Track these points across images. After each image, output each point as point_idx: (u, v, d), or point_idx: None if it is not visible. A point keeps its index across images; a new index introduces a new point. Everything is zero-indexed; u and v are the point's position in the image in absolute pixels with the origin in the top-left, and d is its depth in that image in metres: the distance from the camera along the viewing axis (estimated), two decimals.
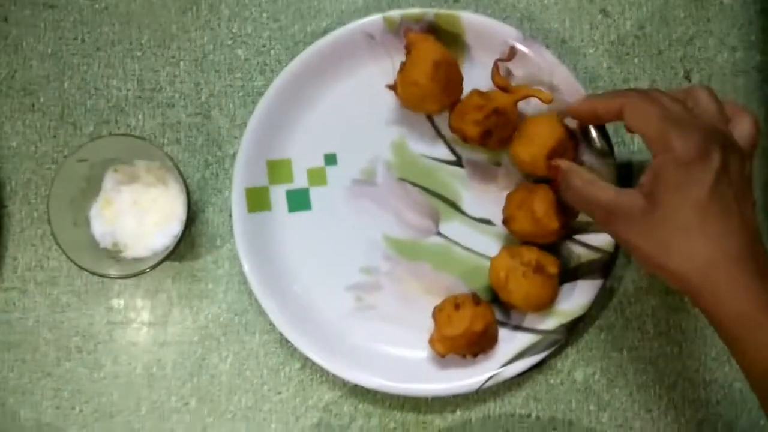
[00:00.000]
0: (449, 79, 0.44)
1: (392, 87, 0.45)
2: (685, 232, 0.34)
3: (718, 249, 0.34)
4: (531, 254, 0.44)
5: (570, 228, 0.46)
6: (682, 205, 0.35)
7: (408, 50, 0.44)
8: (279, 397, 0.48)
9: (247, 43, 0.49)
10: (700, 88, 0.38)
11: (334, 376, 0.47)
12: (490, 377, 0.46)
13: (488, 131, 0.44)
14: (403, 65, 0.45)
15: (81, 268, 0.43)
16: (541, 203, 0.43)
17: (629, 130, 0.38)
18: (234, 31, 0.49)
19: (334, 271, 0.48)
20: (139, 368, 0.48)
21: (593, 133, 0.45)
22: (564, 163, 0.42)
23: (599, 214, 0.38)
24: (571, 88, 0.46)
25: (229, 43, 0.49)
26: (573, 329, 0.46)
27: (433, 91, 0.44)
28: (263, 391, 0.48)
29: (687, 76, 0.49)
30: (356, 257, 0.48)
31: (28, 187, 0.49)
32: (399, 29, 0.46)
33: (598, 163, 0.45)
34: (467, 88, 0.45)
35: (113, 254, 0.46)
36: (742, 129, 0.38)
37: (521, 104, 0.45)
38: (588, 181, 0.39)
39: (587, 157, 0.46)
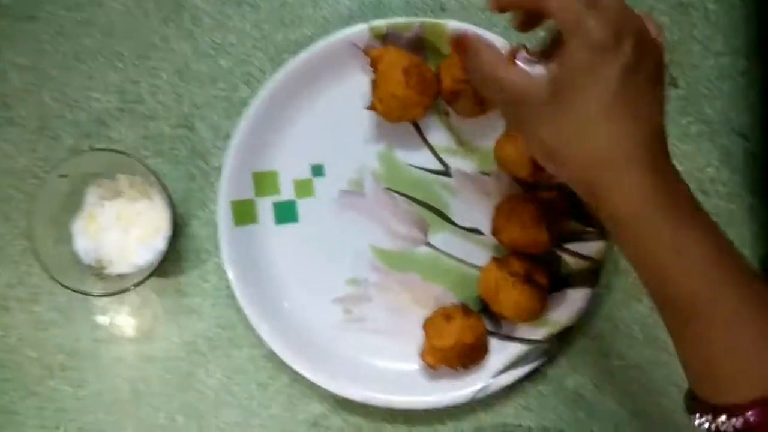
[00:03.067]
0: (423, 79, 0.44)
1: (372, 107, 0.45)
2: (587, 125, 0.33)
3: (617, 147, 0.33)
4: (520, 264, 0.44)
5: (559, 237, 0.46)
6: (588, 95, 0.33)
7: (374, 67, 0.44)
8: (268, 412, 0.48)
9: (230, 52, 0.49)
10: None
11: (324, 390, 0.46)
12: (482, 388, 0.45)
13: (456, 92, 0.44)
14: (374, 83, 0.44)
15: (64, 286, 0.43)
16: (530, 215, 0.43)
17: (544, 14, 0.35)
18: (217, 41, 0.49)
19: (323, 283, 0.47)
20: (124, 385, 0.47)
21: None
22: (473, 35, 0.37)
23: (506, 95, 0.36)
24: None
25: (212, 53, 0.49)
26: (563, 338, 0.46)
27: (412, 97, 0.44)
28: (252, 407, 0.48)
29: (673, 83, 0.50)
30: (344, 269, 0.47)
31: (8, 202, 0.48)
32: (385, 39, 0.46)
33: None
34: None
35: (97, 271, 0.45)
36: (650, 29, 0.36)
37: None
38: (500, 58, 0.36)
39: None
